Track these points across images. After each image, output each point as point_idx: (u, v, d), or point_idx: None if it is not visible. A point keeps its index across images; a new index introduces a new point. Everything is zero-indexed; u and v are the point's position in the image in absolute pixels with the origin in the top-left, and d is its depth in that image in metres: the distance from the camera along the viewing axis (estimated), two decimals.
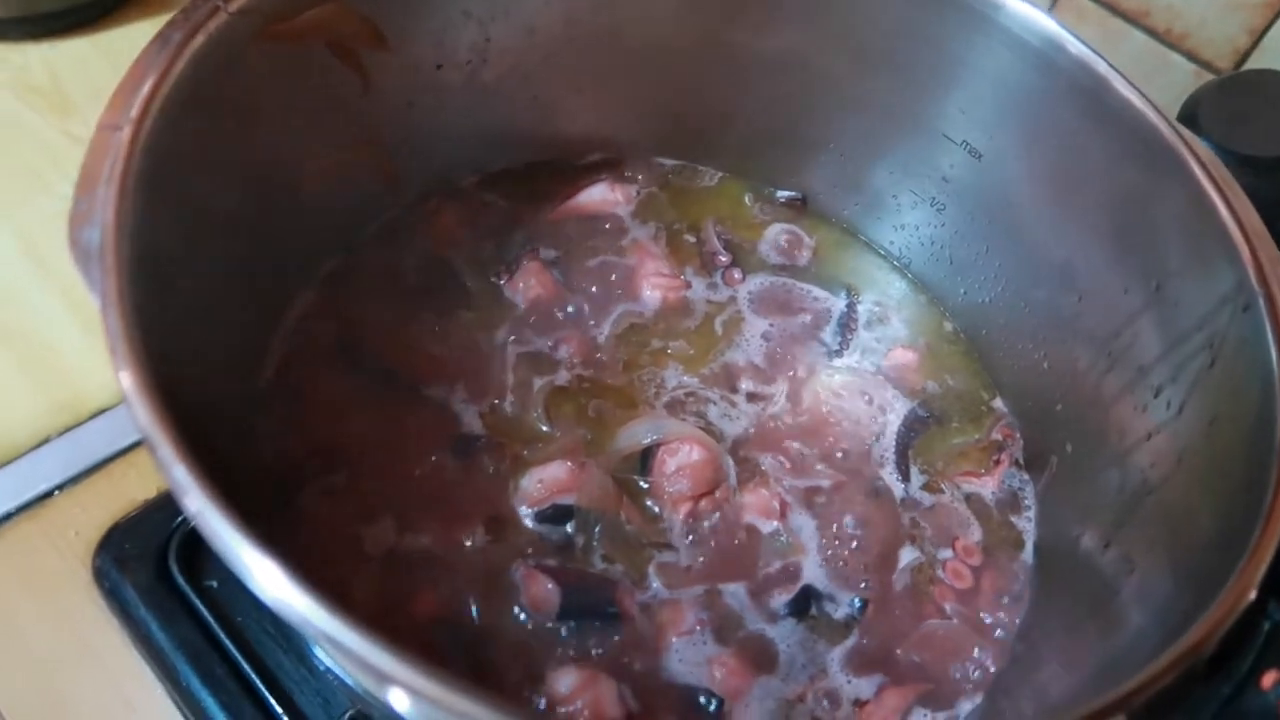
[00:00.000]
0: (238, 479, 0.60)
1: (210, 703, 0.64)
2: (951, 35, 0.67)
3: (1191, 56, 1.00)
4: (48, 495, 0.72)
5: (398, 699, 0.36)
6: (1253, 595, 0.42)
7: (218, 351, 0.62)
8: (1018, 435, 0.73)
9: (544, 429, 0.68)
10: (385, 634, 0.55)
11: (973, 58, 0.67)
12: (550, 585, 0.60)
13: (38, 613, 0.67)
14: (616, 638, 0.60)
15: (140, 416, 0.40)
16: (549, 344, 0.72)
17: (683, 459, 0.66)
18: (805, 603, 0.63)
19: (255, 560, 0.38)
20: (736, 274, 0.78)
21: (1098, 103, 0.61)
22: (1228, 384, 0.53)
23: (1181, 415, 0.56)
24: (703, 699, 0.59)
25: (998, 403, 0.75)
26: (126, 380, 0.41)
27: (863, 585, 0.65)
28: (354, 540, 0.62)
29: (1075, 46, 0.62)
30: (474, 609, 0.60)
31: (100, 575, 0.68)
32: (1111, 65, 0.61)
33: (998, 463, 0.72)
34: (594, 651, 0.59)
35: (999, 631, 0.64)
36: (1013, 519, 0.70)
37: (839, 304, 0.78)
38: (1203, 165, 0.57)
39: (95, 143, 0.47)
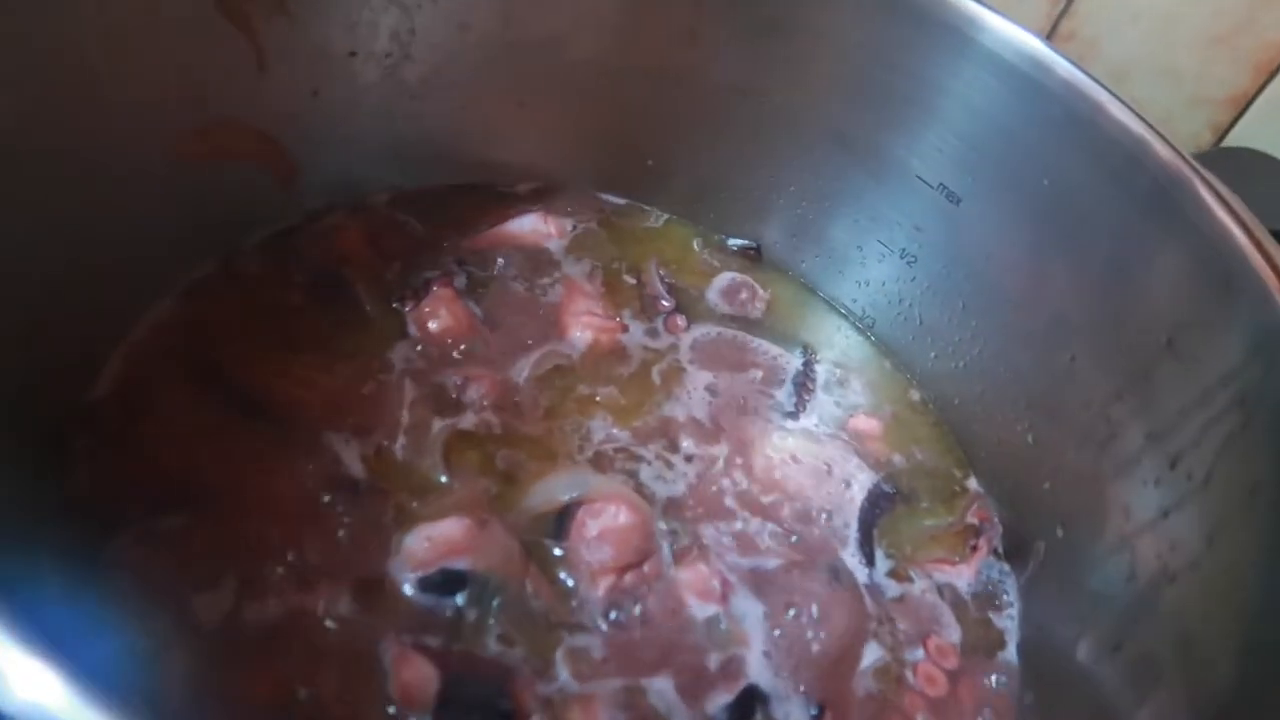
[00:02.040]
0: (40, 511, 0.48)
1: None
2: (929, 60, 0.60)
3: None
4: None
5: None
6: None
7: (39, 351, 0.49)
8: (995, 519, 0.63)
9: (440, 479, 0.56)
10: None
11: (952, 85, 0.60)
12: (428, 670, 0.47)
13: None
14: None
15: None
16: (456, 382, 0.61)
17: (607, 522, 0.55)
18: (748, 706, 0.51)
19: None
20: (680, 321, 0.68)
21: (1091, 131, 0.55)
22: (1271, 445, 0.44)
23: (1209, 485, 0.47)
24: None
25: (972, 482, 0.65)
26: None
27: (818, 689, 0.53)
28: (182, 602, 0.48)
29: (1064, 68, 0.55)
30: (327, 695, 0.47)
31: None
32: (1105, 87, 0.54)
33: (974, 549, 0.61)
34: None
35: None
36: (991, 616, 0.59)
37: (795, 362, 0.68)
38: (1220, 199, 0.50)
39: None
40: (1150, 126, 0.53)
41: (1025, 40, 0.57)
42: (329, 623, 0.49)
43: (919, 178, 0.65)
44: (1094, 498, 0.55)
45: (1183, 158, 0.52)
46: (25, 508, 0.47)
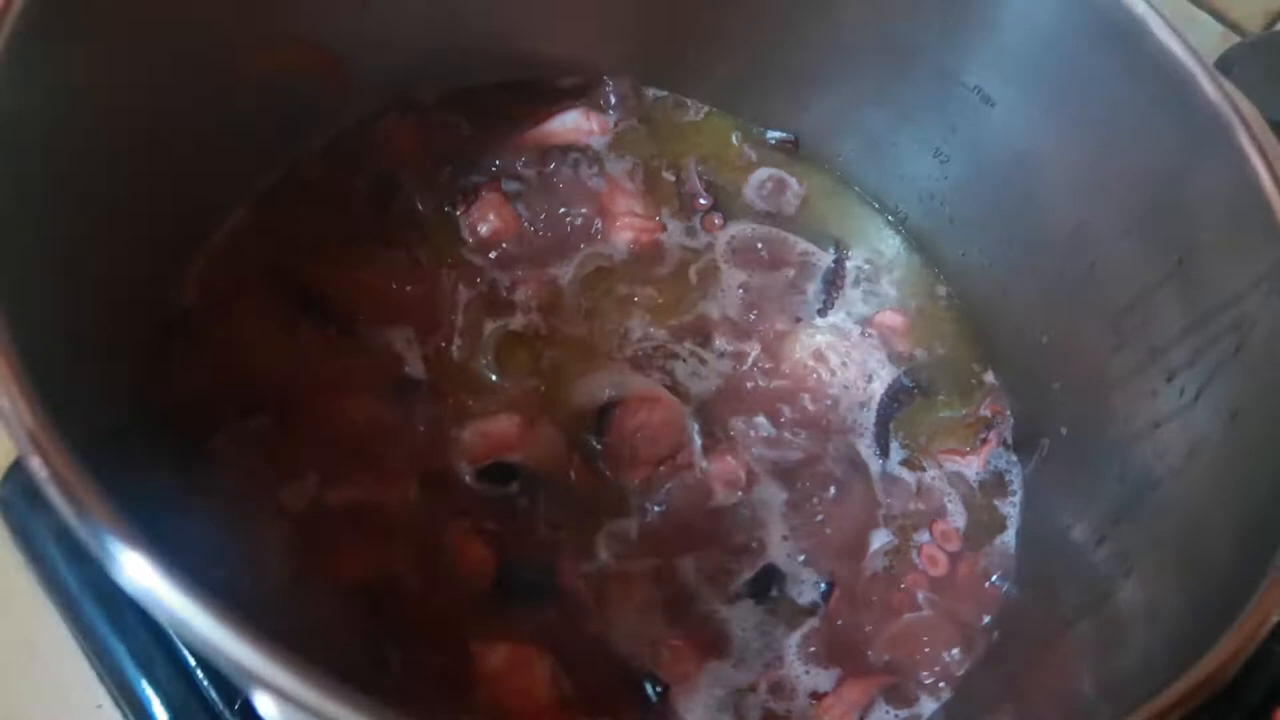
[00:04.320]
0: (145, 412, 0.55)
1: (119, 650, 0.58)
2: None
3: (1219, 16, 0.94)
4: None
5: (264, 705, 0.30)
6: (1276, 619, 0.37)
7: (129, 264, 0.55)
8: (1008, 413, 0.68)
9: (492, 378, 0.62)
10: (298, 600, 0.50)
11: None
12: (487, 553, 0.55)
13: None
14: (555, 612, 0.55)
15: None
16: (505, 284, 0.65)
17: (643, 419, 0.60)
18: (766, 583, 0.58)
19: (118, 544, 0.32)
20: (717, 219, 0.71)
21: (1133, 49, 0.55)
22: (1256, 374, 0.47)
23: (1197, 404, 0.51)
24: (645, 685, 0.54)
25: (989, 376, 0.69)
26: None
27: (830, 568, 0.60)
28: (271, 491, 0.55)
29: None
30: (401, 573, 0.54)
31: (6, 507, 0.62)
32: (1151, 4, 0.54)
33: (985, 441, 0.66)
34: (529, 627, 0.54)
35: (973, 624, 0.59)
36: (996, 502, 0.65)
37: (826, 259, 0.72)
38: (1248, 129, 0.51)
39: None
40: (1191, 50, 0.53)
41: None
42: (400, 509, 0.56)
43: (956, 78, 0.65)
44: (1097, 402, 0.59)
45: (1220, 85, 0.52)
46: (132, 411, 0.54)
